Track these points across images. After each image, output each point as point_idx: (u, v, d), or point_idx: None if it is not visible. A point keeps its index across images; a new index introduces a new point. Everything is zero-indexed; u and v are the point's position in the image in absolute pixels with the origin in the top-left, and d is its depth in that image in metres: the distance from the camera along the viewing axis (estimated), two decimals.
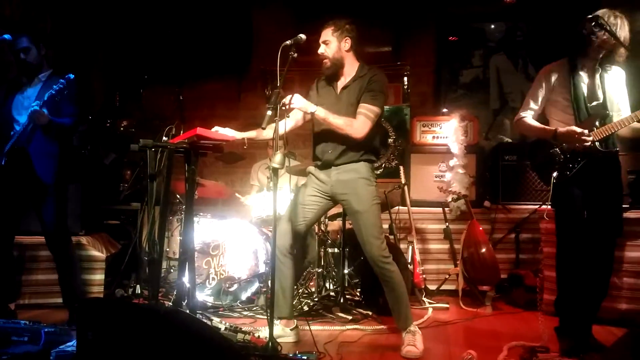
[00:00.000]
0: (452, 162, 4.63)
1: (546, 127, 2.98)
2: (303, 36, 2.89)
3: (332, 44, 2.97)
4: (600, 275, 2.89)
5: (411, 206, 4.47)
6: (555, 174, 2.87)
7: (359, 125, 2.87)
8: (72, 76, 3.14)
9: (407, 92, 5.37)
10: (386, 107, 5.28)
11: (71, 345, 2.53)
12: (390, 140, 5.29)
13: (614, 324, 3.34)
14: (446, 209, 4.51)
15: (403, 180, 4.53)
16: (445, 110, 5.25)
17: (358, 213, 2.93)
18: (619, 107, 2.92)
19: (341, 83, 3.03)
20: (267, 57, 5.05)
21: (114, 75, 5.60)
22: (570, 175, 2.85)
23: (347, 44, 2.98)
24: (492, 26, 5.43)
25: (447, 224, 4.46)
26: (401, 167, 4.64)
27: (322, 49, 2.98)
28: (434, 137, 4.83)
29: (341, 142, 2.94)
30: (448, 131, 4.73)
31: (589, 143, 2.80)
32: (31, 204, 3.32)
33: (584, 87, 2.90)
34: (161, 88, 5.43)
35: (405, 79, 5.35)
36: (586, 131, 2.80)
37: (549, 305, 3.54)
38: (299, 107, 2.86)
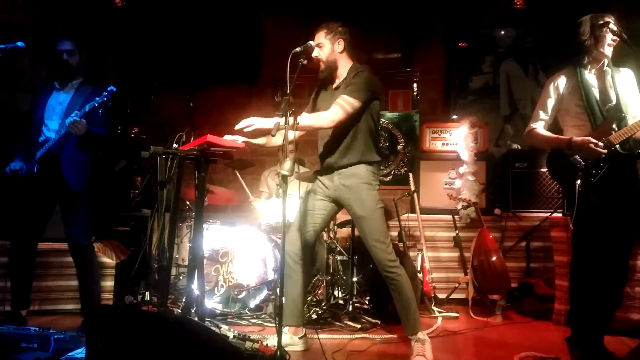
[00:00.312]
0: (462, 169, 4.60)
1: (560, 136, 2.95)
2: (313, 43, 2.93)
3: (325, 46, 2.97)
4: (616, 284, 2.86)
5: (421, 213, 4.44)
6: (579, 182, 2.81)
7: (327, 114, 2.85)
8: (114, 89, 3.20)
9: (417, 98, 5.35)
10: (395, 114, 5.33)
11: (80, 352, 2.55)
12: (399, 147, 5.28)
13: (626, 334, 3.29)
14: (456, 216, 4.48)
15: (412, 188, 4.51)
16: (455, 116, 5.22)
17: (361, 218, 2.93)
18: (634, 107, 2.88)
19: (335, 85, 3.03)
20: (276, 63, 5.08)
21: (124, 81, 5.63)
22: (594, 182, 2.80)
23: (340, 45, 2.99)
24: (502, 32, 5.41)
25: (457, 231, 4.43)
26: (410, 174, 4.63)
27: (315, 52, 2.97)
28: (443, 144, 4.81)
29: (337, 144, 2.95)
30: (458, 138, 4.71)
31: (602, 154, 2.77)
32: (61, 212, 3.35)
33: (595, 91, 2.88)
34: (171, 94, 5.48)
35: (415, 85, 5.33)
36: (601, 143, 2.77)
37: (560, 315, 3.51)
38: (258, 128, 2.80)
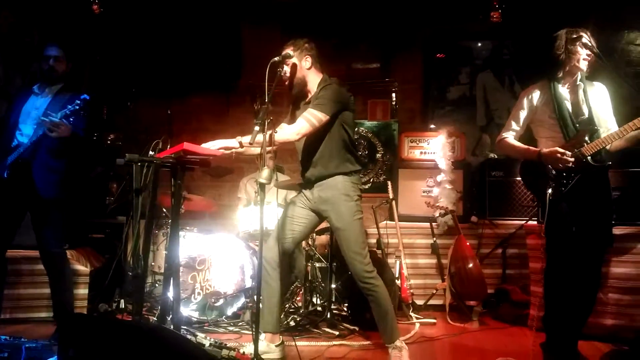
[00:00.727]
0: (439, 178, 4.65)
1: (530, 147, 3.01)
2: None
3: (292, 63, 2.96)
4: (589, 291, 2.92)
5: (399, 221, 4.48)
6: (550, 191, 2.87)
7: (292, 127, 2.86)
8: (87, 97, 3.16)
9: (395, 107, 5.40)
10: (374, 123, 5.37)
11: None
12: (378, 155, 5.32)
13: (600, 339, 3.36)
14: (434, 224, 4.53)
15: (391, 195, 4.55)
16: (432, 126, 5.29)
17: (339, 230, 2.94)
18: (606, 121, 2.95)
19: (307, 100, 3.04)
20: (255, 72, 5.08)
21: (101, 88, 5.57)
22: (565, 191, 2.87)
23: (307, 62, 2.99)
24: (479, 44, 5.50)
25: (434, 239, 4.47)
26: (389, 182, 4.67)
27: (284, 70, 2.96)
28: (421, 153, 4.86)
29: (313, 157, 2.97)
30: (436, 147, 4.76)
31: (570, 164, 2.83)
32: (32, 218, 3.29)
33: (567, 104, 2.94)
34: (149, 101, 5.43)
35: (394, 95, 5.39)
36: (568, 152, 2.83)
37: (535, 321, 3.55)
38: (223, 147, 2.79)
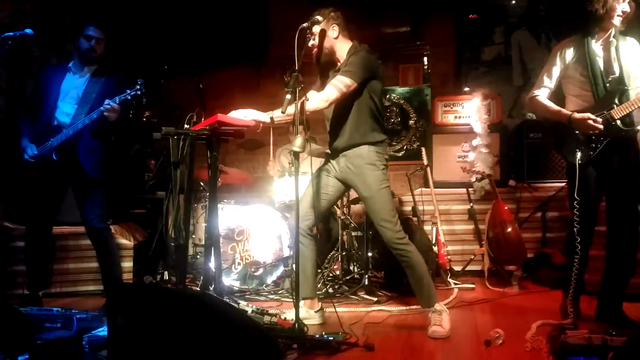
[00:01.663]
0: (475, 142, 4.56)
1: (561, 110, 2.94)
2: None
3: (319, 33, 2.93)
4: (625, 252, 2.88)
5: (434, 187, 4.43)
6: (579, 155, 2.84)
7: (321, 95, 2.84)
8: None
9: (428, 72, 5.29)
10: (406, 88, 5.28)
11: (103, 330, 2.60)
12: (411, 122, 5.24)
13: None
14: (470, 189, 4.46)
15: (425, 162, 4.49)
16: (467, 89, 5.16)
17: (367, 198, 2.95)
18: (637, 80, 2.86)
19: (336, 68, 3.00)
20: (284, 43, 5.03)
21: (134, 66, 5.65)
22: (594, 155, 2.83)
23: (334, 31, 2.96)
24: (513, 1, 5.30)
25: (471, 204, 4.42)
26: (423, 149, 4.61)
27: (311, 41, 2.93)
28: (456, 117, 4.76)
29: (340, 126, 2.95)
30: (470, 110, 4.66)
31: (598, 132, 2.79)
32: (76, 197, 3.39)
33: (600, 62, 2.86)
34: (181, 77, 5.48)
35: (425, 59, 5.27)
36: (599, 119, 2.78)
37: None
38: (254, 119, 2.79)
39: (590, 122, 2.78)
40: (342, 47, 2.99)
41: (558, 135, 3.00)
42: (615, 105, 2.78)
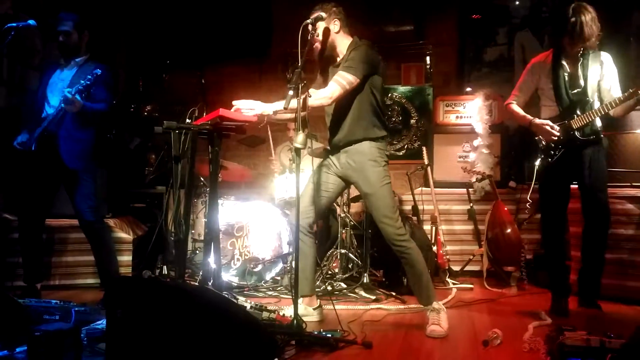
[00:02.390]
0: (476, 142, 4.56)
1: (526, 115, 3.20)
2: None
3: (320, 28, 2.94)
4: (598, 235, 3.11)
5: (435, 187, 4.43)
6: (538, 162, 3.10)
7: (325, 91, 2.85)
8: (99, 71, 3.19)
9: (430, 71, 5.28)
10: (408, 87, 5.27)
11: (101, 323, 2.61)
12: (412, 121, 5.23)
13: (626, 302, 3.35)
14: (470, 189, 4.46)
15: (426, 161, 4.49)
16: (469, 89, 5.16)
17: (368, 195, 2.95)
18: (604, 93, 3.05)
19: (337, 63, 3.01)
20: (287, 39, 5.03)
21: (136, 60, 5.64)
22: (552, 163, 3.06)
23: (335, 25, 2.97)
24: (517, 2, 5.29)
25: (471, 204, 4.42)
26: (424, 148, 4.61)
27: (316, 33, 2.93)
28: (457, 117, 4.77)
29: (341, 122, 2.95)
30: (472, 111, 4.66)
31: (555, 138, 3.02)
32: (65, 189, 3.39)
33: (565, 76, 3.06)
34: (183, 72, 5.48)
35: (428, 58, 5.26)
36: (557, 127, 3.01)
37: (575, 285, 3.50)
38: (259, 113, 2.80)
39: (548, 128, 3.01)
40: (342, 42, 2.99)
41: (526, 140, 3.24)
42: (575, 116, 3.01)
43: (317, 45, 2.97)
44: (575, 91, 3.04)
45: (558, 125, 3.05)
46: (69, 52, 3.39)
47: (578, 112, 3.01)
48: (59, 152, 3.28)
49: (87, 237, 3.46)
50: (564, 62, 3.08)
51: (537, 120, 3.09)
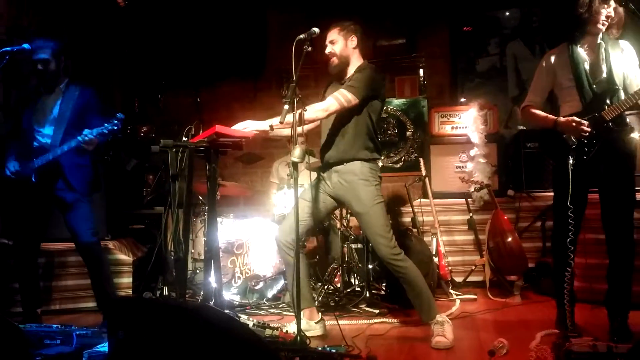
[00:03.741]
0: (472, 152, 4.57)
1: (548, 116, 2.93)
2: (317, 30, 2.90)
3: (338, 42, 2.98)
4: (623, 257, 2.82)
5: (433, 198, 4.43)
6: (571, 161, 2.79)
7: (321, 104, 2.85)
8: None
9: (424, 83, 5.32)
10: (403, 100, 5.30)
11: (103, 346, 2.57)
12: (408, 133, 5.26)
13: None
14: (469, 199, 4.46)
15: (424, 173, 4.50)
16: (463, 99, 5.19)
17: (360, 215, 2.94)
18: (630, 80, 2.82)
19: (343, 80, 3.02)
20: (282, 57, 5.07)
21: (132, 81, 5.67)
22: (587, 159, 2.79)
23: (353, 41, 3.00)
24: (507, 13, 5.36)
25: (470, 214, 4.41)
26: (421, 160, 4.62)
27: (329, 48, 2.99)
28: (453, 128, 4.78)
29: (334, 140, 2.96)
30: (467, 121, 4.68)
31: (587, 133, 2.75)
32: (63, 214, 3.37)
33: (585, 65, 2.83)
34: (179, 92, 5.50)
35: (421, 70, 5.30)
36: (585, 121, 2.75)
37: (580, 292, 3.48)
38: (254, 130, 2.80)
39: (574, 124, 2.76)
40: (355, 60, 3.02)
41: (547, 140, 2.97)
42: (606, 107, 2.74)
43: (334, 60, 2.99)
44: (598, 80, 2.79)
45: (587, 120, 2.77)
46: (48, 80, 3.36)
47: (608, 102, 2.75)
48: (67, 179, 3.30)
49: (86, 258, 3.44)
50: (580, 51, 2.84)
51: (562, 118, 2.82)
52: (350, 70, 3.01)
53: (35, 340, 2.59)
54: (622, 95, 2.77)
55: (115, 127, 3.15)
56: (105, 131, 3.15)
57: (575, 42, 2.87)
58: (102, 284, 3.43)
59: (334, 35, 3.01)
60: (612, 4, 2.77)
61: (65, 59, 3.40)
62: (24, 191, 3.33)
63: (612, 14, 2.78)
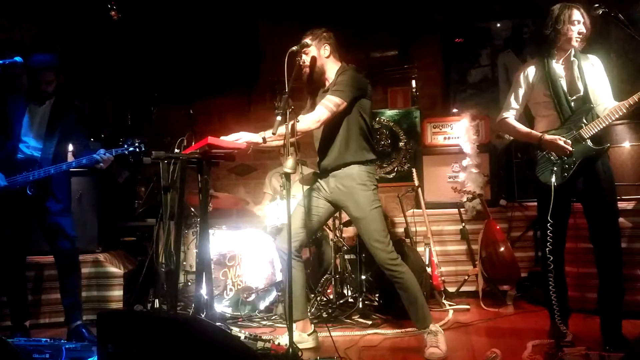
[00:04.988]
0: (465, 162, 4.59)
1: (532, 132, 2.95)
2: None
3: (311, 52, 2.98)
4: (613, 271, 2.83)
5: (426, 208, 4.43)
6: (553, 179, 2.81)
7: (312, 115, 2.85)
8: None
9: (416, 94, 5.35)
10: (395, 111, 5.32)
11: None
12: (401, 143, 5.27)
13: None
14: (462, 209, 4.47)
15: (416, 183, 4.51)
16: (455, 110, 5.22)
17: (358, 220, 2.93)
18: (602, 97, 2.88)
19: (325, 88, 3.03)
20: (274, 69, 5.09)
21: (124, 94, 5.66)
22: (568, 177, 2.82)
23: (326, 50, 3.00)
24: (498, 25, 5.42)
25: (463, 224, 4.42)
26: (414, 170, 4.63)
27: (303, 58, 2.97)
28: (445, 138, 4.80)
29: (329, 145, 2.96)
30: (459, 131, 4.70)
31: (569, 152, 2.79)
32: (44, 225, 3.38)
33: (562, 82, 2.87)
34: (172, 105, 5.49)
35: (413, 81, 5.34)
36: (569, 141, 2.79)
37: (573, 302, 3.48)
38: (247, 141, 2.80)
39: (561, 143, 2.79)
40: (331, 67, 3.02)
41: (530, 156, 2.99)
42: (583, 125, 2.79)
43: (307, 70, 3.00)
44: (575, 97, 2.84)
45: (567, 137, 2.82)
46: (42, 93, 3.37)
47: (585, 121, 2.80)
48: (53, 192, 3.33)
49: (65, 264, 3.43)
50: (556, 67, 2.88)
51: (548, 136, 2.83)
52: (330, 76, 3.02)
53: (24, 354, 2.55)
54: (597, 113, 2.82)
55: (137, 149, 3.21)
56: (126, 152, 3.21)
57: (551, 57, 2.89)
58: (75, 291, 3.45)
59: (307, 42, 2.98)
60: (581, 19, 2.81)
61: (59, 73, 3.42)
62: (13, 204, 3.30)
63: (584, 30, 2.83)
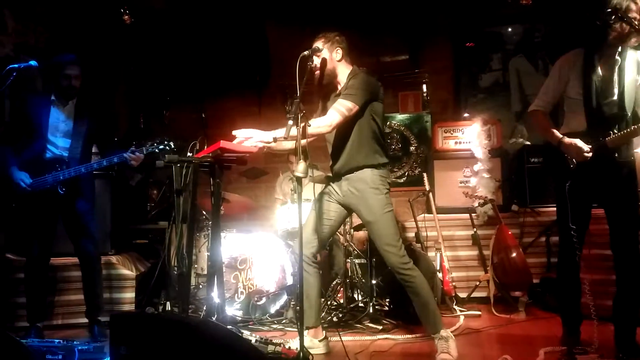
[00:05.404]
0: (476, 167, 4.56)
1: (554, 132, 2.81)
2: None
3: (323, 54, 2.98)
4: (631, 278, 2.77)
5: (437, 213, 4.42)
6: (568, 184, 2.72)
7: (324, 119, 2.85)
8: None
9: (427, 99, 5.34)
10: (406, 115, 5.32)
11: None
12: (412, 148, 5.27)
13: None
14: (473, 214, 4.44)
15: (427, 188, 4.49)
16: (466, 115, 5.21)
17: (370, 223, 2.93)
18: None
19: (337, 92, 3.03)
20: (284, 71, 5.13)
21: (137, 97, 5.72)
22: (584, 181, 2.72)
23: (338, 54, 3.00)
24: (509, 29, 5.41)
25: (474, 229, 4.39)
26: (424, 175, 4.61)
27: (314, 62, 2.96)
28: (456, 143, 4.79)
29: (342, 149, 2.96)
30: (471, 136, 4.68)
31: (588, 159, 2.65)
32: (71, 226, 3.45)
33: (597, 82, 2.67)
34: (184, 108, 5.54)
35: (424, 86, 5.33)
36: (587, 147, 2.64)
37: (585, 308, 3.45)
38: (258, 140, 2.82)
39: (578, 148, 2.66)
40: (343, 70, 3.02)
41: (550, 157, 2.90)
42: (612, 133, 2.61)
43: (318, 73, 3.00)
44: (608, 101, 2.63)
45: (592, 143, 2.65)
46: (73, 95, 3.45)
47: (615, 130, 2.59)
48: (81, 191, 3.40)
49: (90, 269, 3.50)
50: (596, 64, 2.66)
51: (567, 140, 2.69)
52: (341, 79, 3.02)
53: (37, 355, 2.58)
54: (629, 123, 2.62)
55: (167, 146, 3.26)
56: (156, 150, 3.27)
57: (593, 54, 2.69)
58: (98, 293, 3.52)
59: (318, 46, 2.98)
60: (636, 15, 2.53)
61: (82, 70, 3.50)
62: (42, 204, 3.34)
63: (627, 30, 2.55)
